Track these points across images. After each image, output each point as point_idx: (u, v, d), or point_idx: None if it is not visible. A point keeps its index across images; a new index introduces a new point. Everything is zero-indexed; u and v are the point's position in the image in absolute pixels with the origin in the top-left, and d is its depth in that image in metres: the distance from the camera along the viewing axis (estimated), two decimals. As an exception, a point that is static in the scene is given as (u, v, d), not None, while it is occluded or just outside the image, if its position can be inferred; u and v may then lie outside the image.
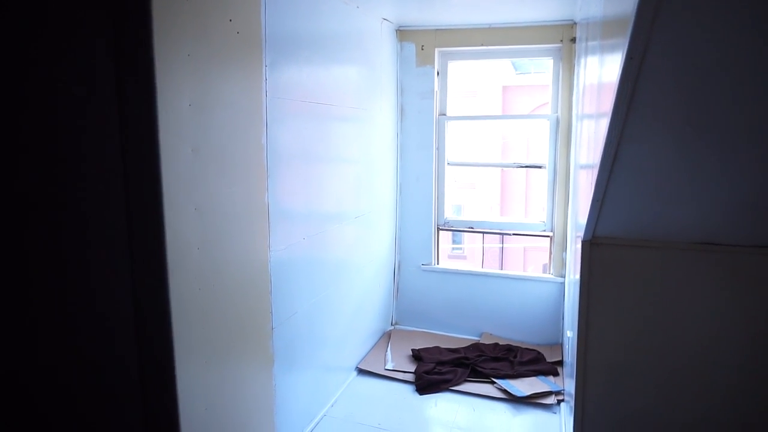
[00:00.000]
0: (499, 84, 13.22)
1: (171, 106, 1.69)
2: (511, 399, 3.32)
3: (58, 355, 1.77)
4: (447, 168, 4.33)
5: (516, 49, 4.06)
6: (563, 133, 3.91)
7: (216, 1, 1.92)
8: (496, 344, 3.99)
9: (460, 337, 4.22)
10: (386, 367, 3.71)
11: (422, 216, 4.33)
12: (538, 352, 3.84)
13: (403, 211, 4.37)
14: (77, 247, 1.75)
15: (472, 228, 4.40)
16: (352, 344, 3.66)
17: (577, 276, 2.11)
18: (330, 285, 3.17)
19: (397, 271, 4.43)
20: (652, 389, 2.00)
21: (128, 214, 1.69)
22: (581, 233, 2.01)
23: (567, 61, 3.83)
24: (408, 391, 3.47)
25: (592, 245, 1.96)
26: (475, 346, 3.96)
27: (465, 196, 13.41)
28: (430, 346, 3.98)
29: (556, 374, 3.58)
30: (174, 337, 1.73)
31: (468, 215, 11.38)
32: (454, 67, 4.28)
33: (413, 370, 3.64)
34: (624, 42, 1.21)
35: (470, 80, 12.79)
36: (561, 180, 3.97)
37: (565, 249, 3.93)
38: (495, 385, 3.47)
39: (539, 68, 12.32)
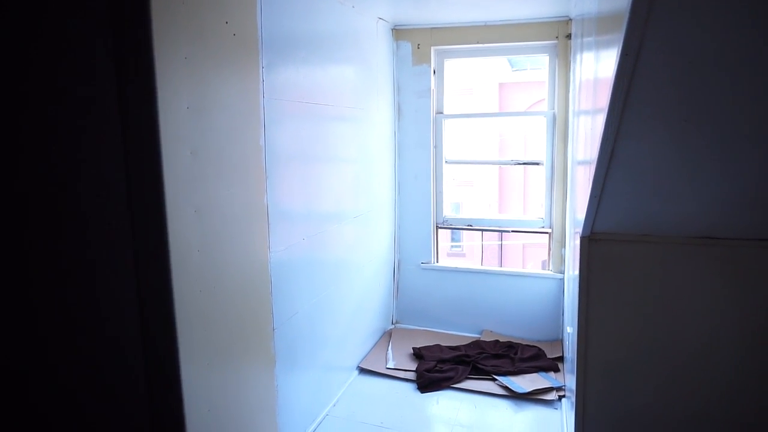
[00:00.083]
0: (495, 81, 13.23)
1: (169, 109, 1.70)
2: (513, 395, 3.33)
3: (63, 358, 1.77)
4: (445, 166, 4.33)
5: (512, 47, 4.07)
6: (560, 129, 3.92)
7: (212, 3, 1.93)
8: (497, 341, 4.00)
9: (460, 334, 4.23)
10: (387, 366, 3.71)
11: (421, 214, 4.34)
12: (539, 349, 3.85)
13: (402, 210, 4.38)
14: (81, 249, 1.75)
15: (470, 226, 4.41)
16: (353, 344, 3.67)
17: (577, 272, 2.12)
18: (330, 285, 3.18)
19: (397, 270, 4.44)
20: (652, 383, 2.01)
21: (131, 216, 1.69)
22: (580, 229, 2.02)
23: (563, 58, 3.84)
24: (409, 389, 3.48)
25: (590, 241, 1.97)
26: (476, 344, 3.97)
27: (463, 193, 13.43)
28: (431, 344, 3.99)
29: (556, 370, 3.59)
30: (178, 339, 1.74)
31: (466, 213, 11.39)
32: (451, 65, 4.29)
33: (414, 369, 3.65)
34: (619, 38, 1.22)
35: (466, 78, 12.80)
36: (559, 176, 3.98)
37: (564, 245, 3.94)
38: (496, 382, 3.48)
39: (535, 65, 12.33)
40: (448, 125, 4.31)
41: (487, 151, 12.94)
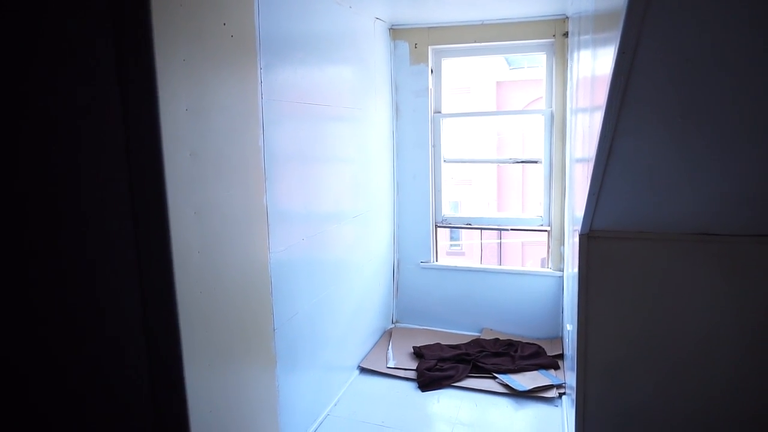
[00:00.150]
0: (492, 79, 13.24)
1: (168, 111, 1.70)
2: (513, 393, 3.34)
3: (65, 359, 1.77)
4: (443, 165, 4.34)
5: (509, 45, 4.07)
6: (558, 127, 3.93)
7: (210, 5, 1.93)
8: (497, 339, 4.01)
9: (460, 333, 4.24)
10: (388, 365, 3.72)
11: (420, 214, 4.34)
12: (539, 346, 3.85)
13: (401, 210, 4.39)
14: (82, 250, 1.75)
15: (469, 224, 4.41)
16: (354, 343, 3.67)
17: (576, 269, 2.12)
18: (330, 285, 3.18)
19: (397, 270, 4.44)
20: (653, 379, 2.01)
21: (134, 218, 1.70)
22: (578, 227, 2.02)
23: (560, 56, 3.84)
24: (410, 388, 3.48)
25: (589, 238, 1.97)
26: (476, 342, 3.98)
27: (462, 192, 13.44)
28: (431, 343, 3.99)
29: (557, 368, 3.60)
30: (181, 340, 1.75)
31: (465, 212, 11.39)
32: (448, 65, 4.30)
33: (415, 368, 3.65)
34: (616, 36, 1.22)
35: (464, 77, 12.80)
36: (557, 174, 3.98)
37: (563, 243, 3.95)
38: (496, 380, 3.48)
39: (532, 63, 12.34)
40: (446, 124, 4.31)
41: (486, 149, 12.95)
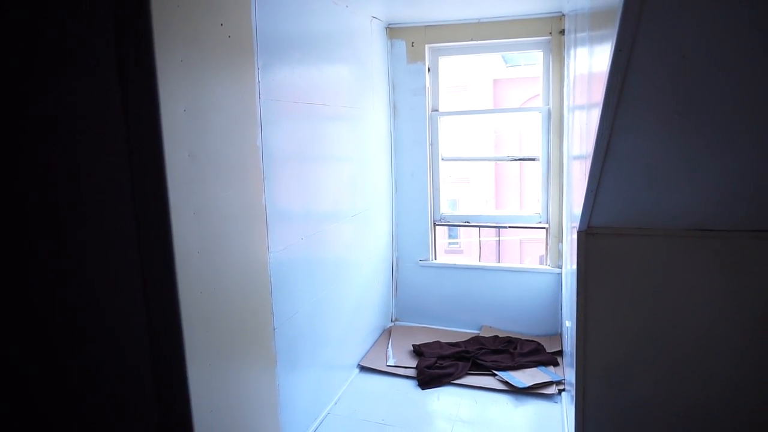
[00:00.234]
0: (489, 77, 13.23)
1: (167, 112, 1.70)
2: (513, 390, 3.35)
3: (67, 359, 1.77)
4: (441, 163, 4.35)
5: (505, 43, 4.08)
6: (555, 124, 3.94)
7: (207, 5, 1.93)
8: (496, 337, 4.02)
9: (460, 331, 4.25)
10: (388, 364, 3.73)
11: (418, 212, 4.35)
12: (538, 343, 3.86)
13: (399, 208, 4.39)
14: (83, 250, 1.75)
15: (468, 222, 4.42)
16: (353, 342, 3.68)
17: (574, 266, 2.13)
18: (329, 284, 3.19)
19: (396, 268, 4.45)
20: (652, 375, 2.02)
21: (136, 219, 1.70)
22: (576, 224, 2.03)
23: (557, 53, 3.85)
24: (410, 386, 3.49)
25: (587, 235, 1.98)
26: (475, 340, 3.99)
27: (460, 190, 13.44)
28: (431, 341, 4.00)
29: (556, 364, 3.61)
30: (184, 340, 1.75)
31: (463, 209, 11.41)
32: (445, 63, 4.30)
33: (415, 366, 3.66)
34: (612, 34, 1.22)
35: (461, 75, 12.80)
36: (555, 171, 3.99)
37: (561, 240, 3.96)
38: (496, 377, 3.49)
39: (529, 60, 12.34)
40: (443, 122, 4.32)
41: (483, 147, 12.95)
